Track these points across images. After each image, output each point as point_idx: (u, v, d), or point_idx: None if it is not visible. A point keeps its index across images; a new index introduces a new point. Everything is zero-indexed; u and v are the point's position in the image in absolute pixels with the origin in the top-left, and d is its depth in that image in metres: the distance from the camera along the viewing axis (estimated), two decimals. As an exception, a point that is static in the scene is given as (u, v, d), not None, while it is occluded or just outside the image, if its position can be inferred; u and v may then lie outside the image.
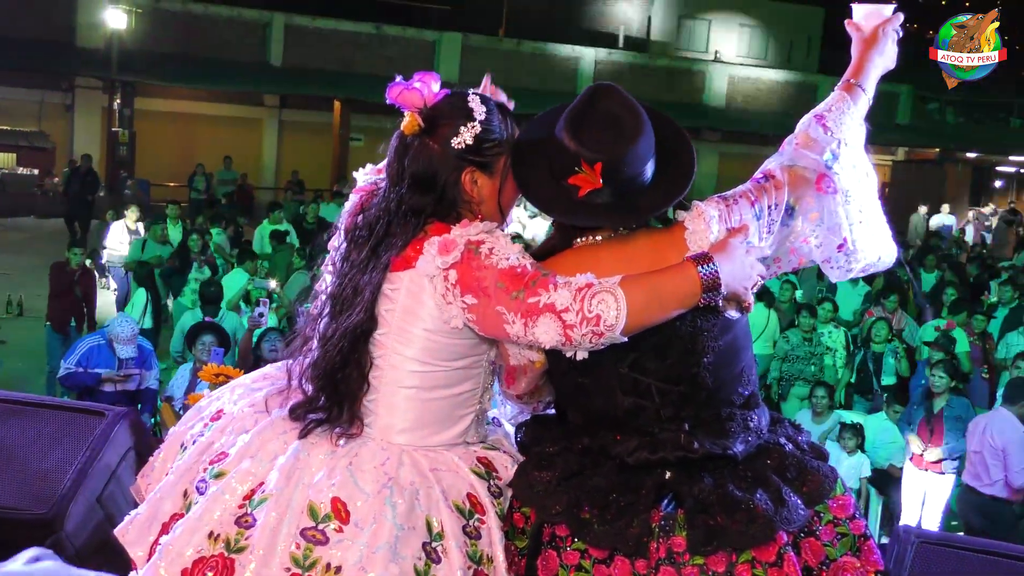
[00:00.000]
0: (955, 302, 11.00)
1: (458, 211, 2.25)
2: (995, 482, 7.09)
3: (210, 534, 2.11)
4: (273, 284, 10.11)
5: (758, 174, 2.35)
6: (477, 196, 2.26)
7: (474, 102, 2.25)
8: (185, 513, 2.21)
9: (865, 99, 2.43)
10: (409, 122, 2.23)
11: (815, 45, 34.80)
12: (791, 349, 9.72)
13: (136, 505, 2.44)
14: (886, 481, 8.01)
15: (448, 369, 2.25)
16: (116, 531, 2.33)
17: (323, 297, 2.34)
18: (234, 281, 10.30)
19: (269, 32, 25.24)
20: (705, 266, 2.06)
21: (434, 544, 2.10)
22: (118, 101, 23.14)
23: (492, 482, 2.28)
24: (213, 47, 24.16)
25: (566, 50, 28.17)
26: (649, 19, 32.76)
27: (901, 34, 2.50)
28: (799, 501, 2.14)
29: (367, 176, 2.47)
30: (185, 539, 2.12)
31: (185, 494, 2.26)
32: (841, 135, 2.34)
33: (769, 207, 2.26)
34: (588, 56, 28.24)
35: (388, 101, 2.24)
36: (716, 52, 32.48)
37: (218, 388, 2.66)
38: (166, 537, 2.17)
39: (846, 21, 2.51)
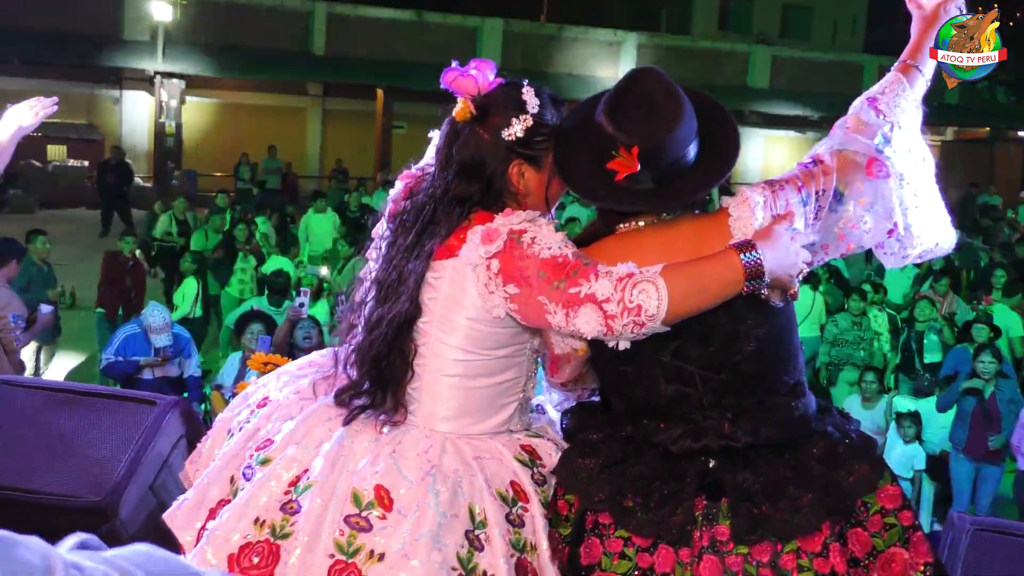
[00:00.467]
0: (1009, 283, 10.83)
1: (503, 201, 2.24)
2: None
3: (256, 520, 2.14)
4: (324, 271, 10.12)
5: (806, 159, 2.31)
6: (523, 189, 2.25)
7: (528, 94, 2.23)
8: (232, 499, 2.23)
9: (923, 80, 2.38)
10: (462, 108, 2.22)
11: (860, 24, 34.35)
12: (840, 333, 9.60)
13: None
14: (938, 467, 7.89)
15: (491, 358, 2.24)
16: (165, 516, 2.36)
17: (368, 283, 2.34)
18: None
19: (311, 21, 25.32)
20: (748, 254, 2.03)
21: (477, 532, 2.11)
22: (165, 93, 23.36)
23: (536, 470, 2.28)
24: (256, 37, 24.29)
25: (608, 34, 27.99)
26: (692, 1, 32.49)
27: (964, 11, 2.44)
28: (846, 491, 2.11)
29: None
30: (231, 525, 2.15)
31: (232, 480, 2.28)
32: (894, 118, 2.29)
33: (816, 193, 2.22)
34: (630, 40, 28.04)
35: (443, 86, 2.24)
36: (759, 33, 32.19)
37: (265, 376, 2.68)
38: (213, 522, 2.19)
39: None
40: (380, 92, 25.27)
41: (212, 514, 2.24)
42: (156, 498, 3.66)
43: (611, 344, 2.08)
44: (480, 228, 2.16)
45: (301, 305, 7.53)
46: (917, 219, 2.32)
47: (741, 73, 29.41)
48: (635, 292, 1.99)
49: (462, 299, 2.19)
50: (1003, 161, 31.26)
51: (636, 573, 2.09)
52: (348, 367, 2.31)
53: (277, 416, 2.34)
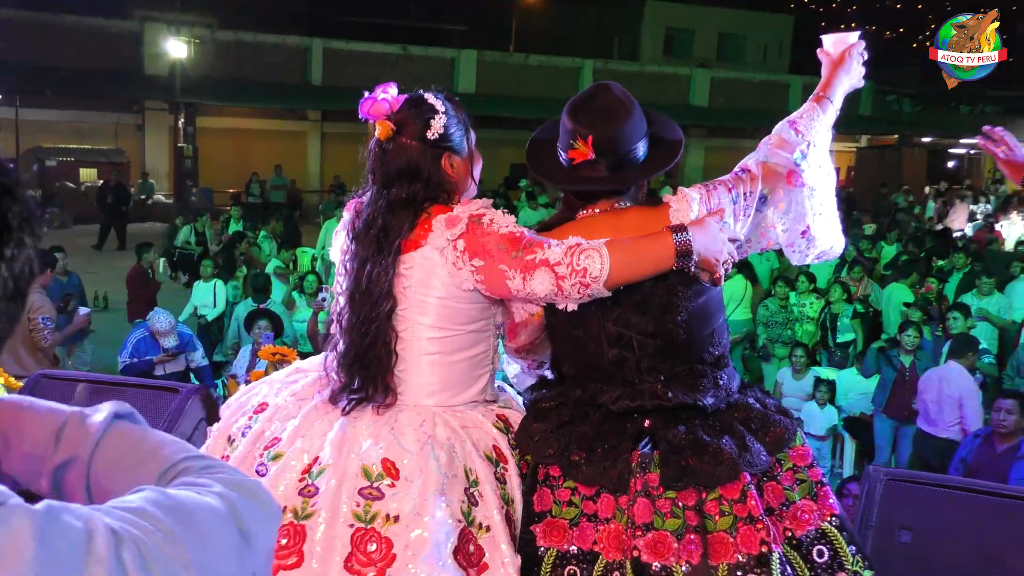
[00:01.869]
0: (905, 263, 11.03)
1: (446, 191, 2.26)
2: (950, 427, 7.05)
3: None
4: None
5: (737, 168, 2.37)
6: (455, 175, 2.27)
7: (431, 99, 2.26)
8: None
9: (833, 110, 2.45)
10: (382, 129, 2.24)
11: (786, 49, 34.61)
12: (770, 316, 9.69)
13: None
14: (858, 427, 7.99)
15: (464, 332, 2.25)
16: None
17: (341, 295, 2.31)
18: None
19: (310, 55, 25.23)
20: (680, 235, 2.10)
21: (472, 489, 2.12)
22: (182, 120, 23.23)
23: (509, 436, 2.29)
24: (262, 70, 24.19)
25: (568, 62, 28.03)
26: (640, 30, 32.60)
27: (866, 57, 2.51)
28: (762, 448, 2.15)
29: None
30: None
31: None
32: (810, 138, 2.36)
33: (744, 194, 2.28)
34: (587, 66, 28.08)
35: (361, 117, 2.27)
36: (699, 58, 32.34)
37: (254, 385, 2.56)
38: None
39: (818, 50, 2.52)
40: (371, 116, 25.15)
41: None
42: (181, 473, 3.65)
43: (561, 306, 2.13)
44: (442, 216, 2.19)
45: (323, 299, 7.49)
46: (819, 225, 2.40)
47: (684, 93, 29.55)
48: (582, 257, 2.05)
49: (432, 281, 2.20)
50: (909, 164, 31.51)
51: (582, 518, 2.12)
52: (339, 372, 2.28)
53: (278, 418, 2.29)
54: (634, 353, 2.20)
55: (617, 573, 2.07)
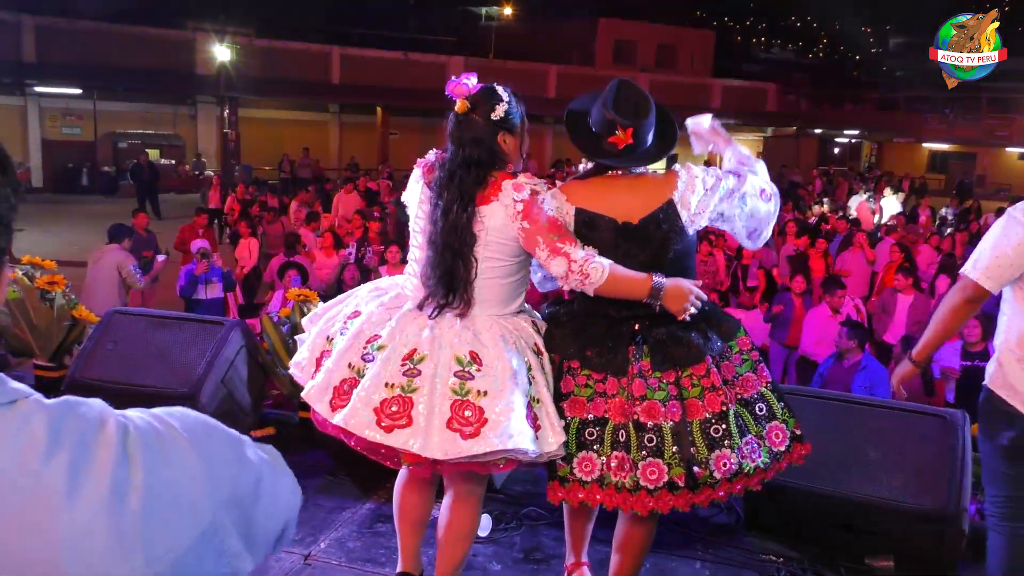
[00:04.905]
0: (799, 231, 11.14)
1: (501, 160, 2.36)
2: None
3: (386, 384, 2.21)
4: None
5: (733, 168, 2.49)
6: (508, 150, 2.38)
7: (499, 90, 2.39)
8: (357, 378, 2.26)
9: (739, 166, 2.52)
10: (460, 105, 2.35)
11: (709, 56, 34.36)
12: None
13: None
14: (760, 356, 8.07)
15: (512, 263, 2.38)
16: (303, 395, 2.39)
17: (428, 225, 2.38)
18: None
19: (329, 59, 24.74)
20: (656, 284, 2.27)
21: (528, 374, 2.28)
22: (227, 111, 22.77)
23: (542, 337, 2.44)
24: (291, 71, 23.71)
25: (536, 66, 27.70)
26: (594, 42, 32.24)
27: (720, 128, 2.59)
28: (718, 339, 2.37)
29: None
30: (372, 389, 2.21)
31: (350, 366, 2.30)
32: (747, 188, 2.49)
33: (732, 190, 2.47)
34: (552, 70, 27.79)
35: (446, 93, 2.36)
36: (641, 64, 32.05)
37: (342, 298, 2.61)
38: (357, 389, 2.23)
39: (689, 133, 2.58)
40: (379, 109, 24.82)
41: (336, 391, 2.26)
42: (226, 388, 3.65)
43: (560, 284, 2.34)
44: (510, 182, 2.31)
45: (349, 254, 7.61)
46: (765, 231, 2.56)
47: (628, 92, 29.25)
48: (590, 267, 2.25)
49: (495, 225, 2.31)
50: (804, 150, 31.59)
51: (596, 396, 2.33)
52: (427, 283, 2.35)
53: (373, 321, 2.36)
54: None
55: (622, 431, 2.27)
